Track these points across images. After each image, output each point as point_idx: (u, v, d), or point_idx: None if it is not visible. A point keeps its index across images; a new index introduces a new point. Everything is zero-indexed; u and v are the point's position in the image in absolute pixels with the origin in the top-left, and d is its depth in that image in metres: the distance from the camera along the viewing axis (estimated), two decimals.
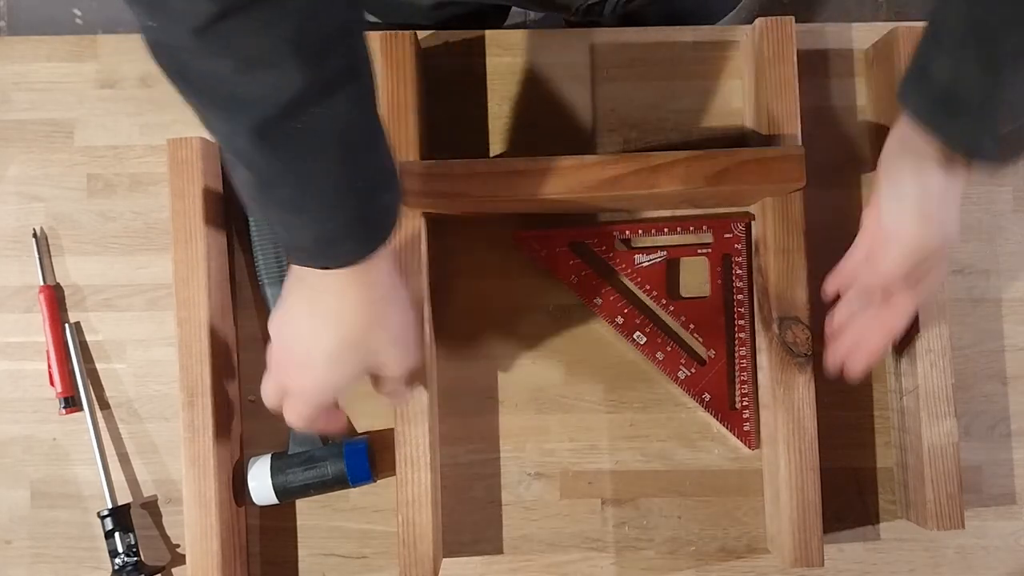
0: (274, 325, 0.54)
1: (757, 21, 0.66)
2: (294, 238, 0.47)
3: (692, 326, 0.69)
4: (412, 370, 0.56)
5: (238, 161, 0.44)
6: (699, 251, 0.70)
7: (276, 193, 0.45)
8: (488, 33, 0.72)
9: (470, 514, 0.70)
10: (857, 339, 0.62)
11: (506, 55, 0.71)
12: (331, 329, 0.51)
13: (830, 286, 0.62)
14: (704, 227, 0.70)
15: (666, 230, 0.70)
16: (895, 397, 0.69)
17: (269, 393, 0.55)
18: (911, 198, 0.56)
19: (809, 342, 0.64)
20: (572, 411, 0.70)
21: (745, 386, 0.69)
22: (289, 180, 0.44)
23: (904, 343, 0.66)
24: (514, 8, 0.81)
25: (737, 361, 0.69)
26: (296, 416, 0.54)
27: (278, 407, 0.55)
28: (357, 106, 0.44)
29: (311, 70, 0.40)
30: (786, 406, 0.64)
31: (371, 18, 0.82)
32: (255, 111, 0.41)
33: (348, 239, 0.47)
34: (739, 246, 0.69)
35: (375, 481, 0.69)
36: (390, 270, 0.52)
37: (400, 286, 0.54)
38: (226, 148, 0.45)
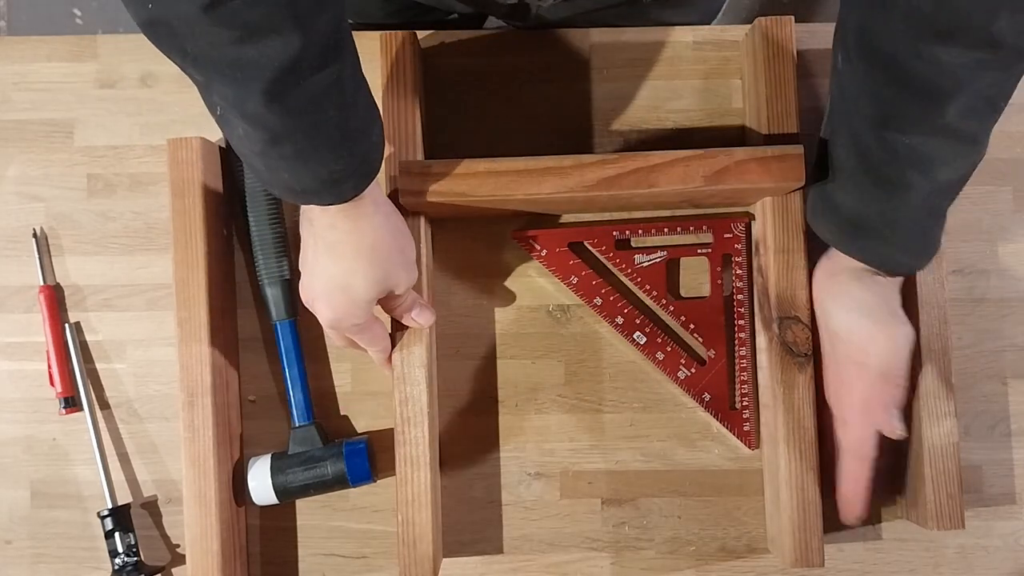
0: (301, 268, 0.59)
1: (757, 21, 0.66)
2: (301, 183, 0.51)
3: (692, 326, 0.69)
4: (413, 287, 0.61)
5: (246, 123, 0.48)
6: (699, 251, 0.70)
7: (285, 147, 0.49)
8: (488, 33, 0.72)
9: (470, 514, 0.70)
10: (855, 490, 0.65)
11: (506, 55, 0.71)
12: (346, 258, 0.56)
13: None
14: (704, 227, 0.70)
15: (666, 230, 0.70)
16: None
17: (332, 337, 0.62)
18: (865, 304, 0.62)
19: (809, 342, 0.64)
20: (572, 411, 0.70)
21: (745, 386, 0.69)
22: (298, 135, 0.48)
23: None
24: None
25: (737, 361, 0.69)
26: (343, 342, 0.61)
27: (345, 344, 0.62)
28: (347, 57, 0.49)
29: (307, 31, 0.44)
30: (786, 406, 0.64)
31: None
32: (264, 75, 0.44)
33: (351, 177, 0.52)
34: (739, 246, 0.69)
35: (375, 481, 0.69)
36: (383, 197, 0.58)
37: (393, 209, 0.59)
38: (234, 113, 0.48)
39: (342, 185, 0.52)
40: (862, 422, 0.63)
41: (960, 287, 0.71)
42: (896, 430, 0.62)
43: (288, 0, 0.43)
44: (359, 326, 0.59)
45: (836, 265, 0.63)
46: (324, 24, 0.46)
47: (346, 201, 0.53)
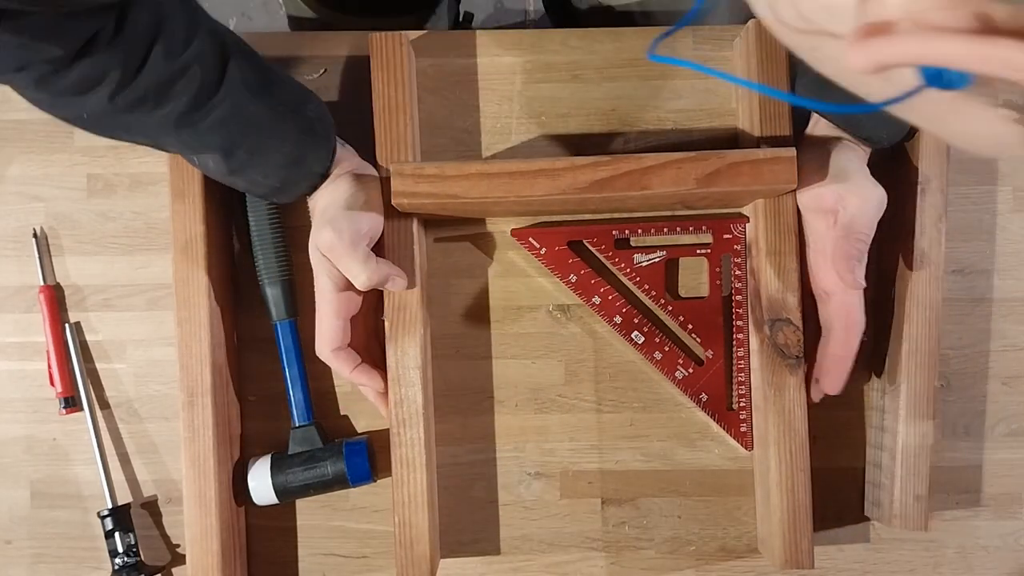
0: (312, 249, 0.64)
1: (750, 23, 0.66)
2: (273, 176, 0.60)
3: (690, 326, 0.69)
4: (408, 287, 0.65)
5: (200, 154, 0.59)
6: (698, 251, 0.70)
7: (239, 155, 0.58)
8: (483, 33, 0.72)
9: (469, 514, 0.70)
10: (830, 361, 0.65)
11: (503, 55, 0.71)
12: (332, 208, 0.62)
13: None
14: (703, 227, 0.69)
15: (665, 230, 0.70)
16: (877, 395, 0.69)
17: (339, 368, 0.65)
18: (849, 170, 0.63)
19: (800, 344, 0.64)
20: (572, 411, 0.70)
21: (742, 387, 0.69)
22: (236, 140, 0.57)
23: (893, 343, 0.66)
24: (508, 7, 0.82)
25: (735, 362, 0.69)
26: (365, 279, 0.62)
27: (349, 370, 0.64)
28: (241, 62, 0.56)
29: (195, 70, 0.53)
30: (777, 408, 0.64)
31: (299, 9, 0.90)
32: (182, 116, 0.54)
33: (308, 150, 0.60)
34: (738, 247, 0.69)
35: (375, 481, 0.69)
36: (358, 163, 0.65)
37: (372, 174, 0.65)
38: (185, 151, 0.60)
39: (305, 163, 0.60)
40: (841, 286, 0.63)
41: (960, 287, 0.71)
42: (857, 280, 0.62)
43: (166, 55, 0.52)
44: (360, 366, 0.64)
45: (813, 140, 0.65)
46: (202, 47, 0.53)
47: (323, 179, 0.62)
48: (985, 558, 0.70)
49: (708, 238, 0.70)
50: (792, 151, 0.62)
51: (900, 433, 0.65)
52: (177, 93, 0.53)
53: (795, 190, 0.64)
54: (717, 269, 0.70)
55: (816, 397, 0.66)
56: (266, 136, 0.58)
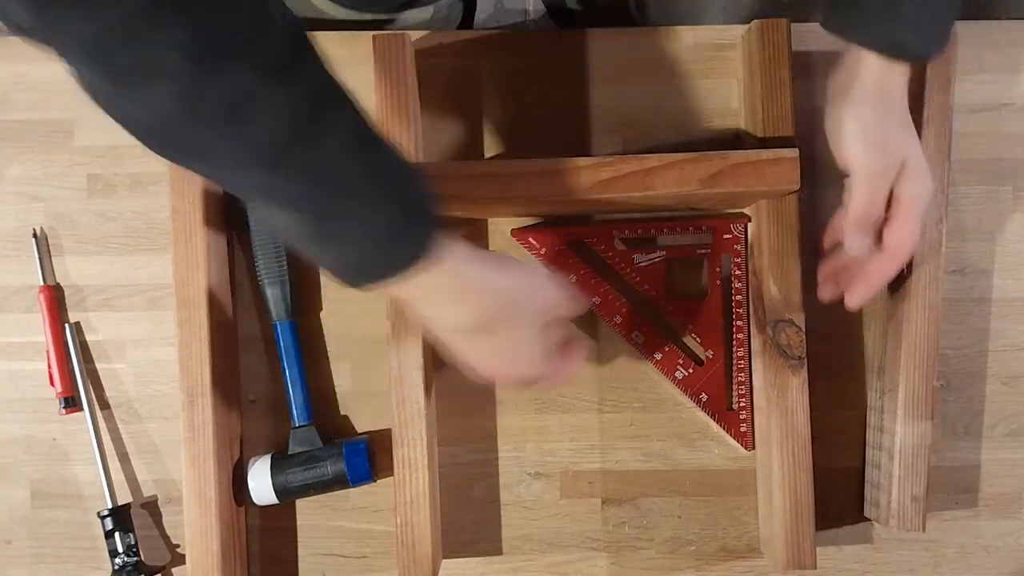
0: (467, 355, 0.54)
1: (752, 23, 0.66)
2: (357, 252, 0.47)
3: (690, 326, 0.69)
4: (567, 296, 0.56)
5: (275, 207, 0.46)
6: (699, 251, 0.70)
7: (328, 221, 0.46)
8: (484, 34, 0.72)
9: (470, 514, 0.70)
10: (858, 272, 0.61)
11: (504, 56, 0.71)
12: (469, 313, 0.51)
13: (828, 239, 0.63)
14: (704, 227, 0.69)
15: (665, 230, 0.70)
16: (875, 395, 0.69)
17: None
18: (871, 112, 0.57)
19: (803, 345, 0.64)
20: (572, 411, 0.70)
21: (743, 387, 0.69)
22: (321, 198, 0.45)
23: (892, 342, 0.66)
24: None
25: (735, 362, 0.69)
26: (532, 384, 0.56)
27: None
28: (343, 106, 0.45)
29: (294, 84, 0.42)
30: (780, 409, 0.64)
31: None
32: (263, 144, 0.42)
33: (403, 228, 0.47)
34: (739, 247, 0.69)
35: (375, 481, 0.69)
36: (465, 250, 0.51)
37: (487, 259, 0.53)
38: (261, 202, 0.46)
39: (398, 242, 0.47)
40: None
41: (960, 287, 0.71)
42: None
43: (263, 65, 0.40)
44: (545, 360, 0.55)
45: (843, 81, 0.58)
46: (309, 76, 0.43)
47: (413, 262, 0.47)
48: (985, 558, 0.70)
49: (708, 238, 0.70)
50: (795, 152, 0.62)
51: (898, 433, 0.65)
52: (262, 117, 0.41)
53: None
54: (717, 269, 0.70)
55: (827, 297, 0.64)
56: (359, 200, 0.46)
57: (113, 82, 0.40)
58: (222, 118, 0.41)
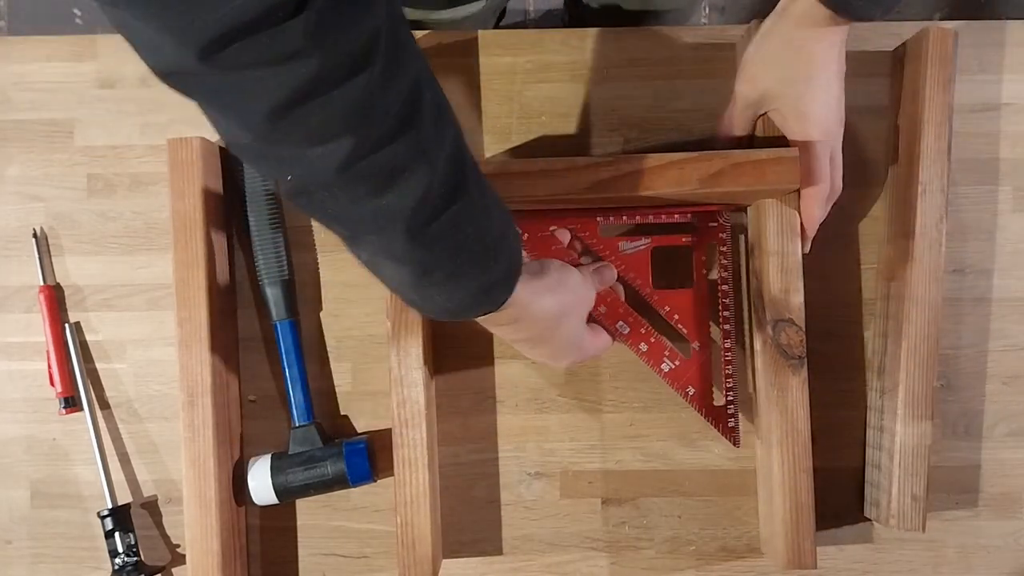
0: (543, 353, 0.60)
1: (752, 23, 0.66)
2: (454, 302, 0.50)
3: (676, 316, 0.68)
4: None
5: (395, 263, 0.47)
6: (683, 240, 0.69)
7: (435, 275, 0.47)
8: (485, 33, 0.72)
9: (470, 514, 0.70)
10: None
11: (504, 55, 0.71)
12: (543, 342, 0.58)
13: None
14: (688, 215, 0.69)
15: (651, 217, 0.68)
16: (875, 395, 0.69)
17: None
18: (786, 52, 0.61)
19: (803, 344, 0.64)
20: (572, 411, 0.70)
21: (730, 380, 0.68)
22: (444, 260, 0.47)
23: (892, 343, 0.66)
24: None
25: (722, 354, 0.69)
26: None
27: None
28: (471, 169, 0.47)
29: (435, 160, 0.43)
30: (780, 408, 0.64)
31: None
32: (405, 215, 0.43)
33: (501, 281, 0.51)
34: (724, 235, 0.69)
35: (375, 481, 0.69)
36: (529, 283, 0.55)
37: (547, 285, 0.57)
38: (381, 257, 0.47)
39: (493, 292, 0.51)
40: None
41: (960, 287, 0.71)
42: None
43: (415, 138, 0.42)
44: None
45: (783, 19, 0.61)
46: (448, 144, 0.44)
47: (500, 306, 0.51)
48: (985, 558, 0.70)
49: (693, 227, 0.69)
50: (794, 152, 0.62)
51: (898, 433, 0.65)
52: (408, 190, 0.42)
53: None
54: (703, 258, 0.69)
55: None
56: (472, 263, 0.48)
57: (286, 139, 0.39)
58: (372, 186, 0.42)
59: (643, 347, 0.68)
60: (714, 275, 0.69)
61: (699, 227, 0.69)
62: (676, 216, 0.69)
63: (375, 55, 0.38)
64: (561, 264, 0.59)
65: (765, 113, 0.65)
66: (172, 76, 0.37)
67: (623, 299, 0.68)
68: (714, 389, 0.69)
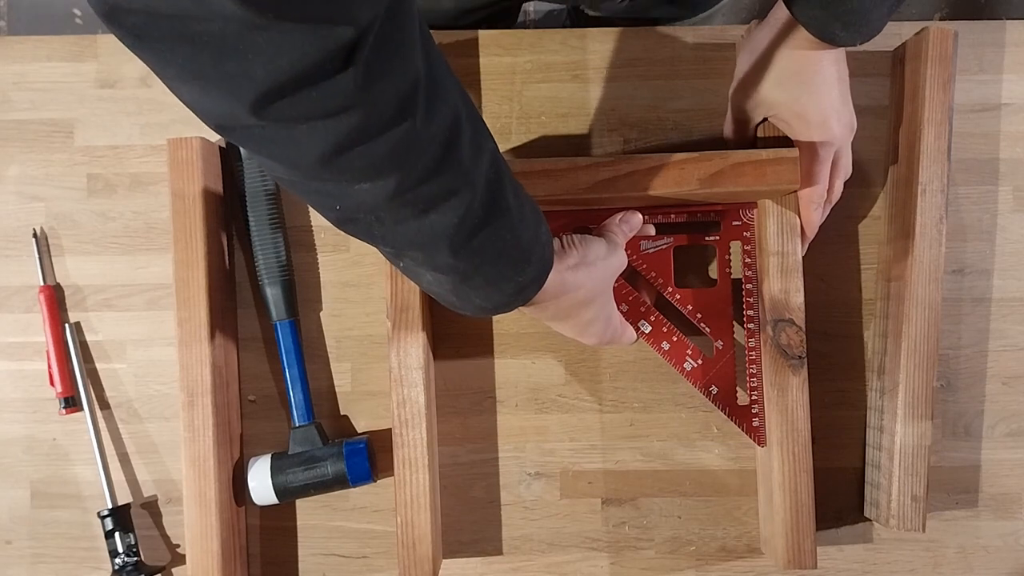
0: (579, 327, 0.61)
1: (752, 23, 0.66)
2: (491, 302, 0.52)
3: (699, 315, 0.68)
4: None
5: (437, 273, 0.49)
6: (707, 238, 0.68)
7: (475, 280, 0.50)
8: (485, 33, 0.72)
9: (470, 514, 0.70)
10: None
11: (504, 55, 0.71)
12: (571, 317, 0.59)
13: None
14: (712, 214, 0.68)
15: (673, 216, 0.68)
16: (875, 395, 0.69)
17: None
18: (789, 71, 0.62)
19: (803, 345, 0.64)
20: (572, 411, 0.70)
21: (754, 380, 0.67)
22: (485, 267, 0.49)
23: (892, 343, 0.66)
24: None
25: (746, 353, 0.67)
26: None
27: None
28: (508, 180, 0.48)
29: (475, 178, 0.45)
30: (780, 408, 0.64)
31: None
32: (448, 232, 0.45)
33: (535, 279, 0.52)
34: (748, 233, 0.68)
35: (375, 481, 0.69)
36: (561, 272, 0.56)
37: (570, 266, 0.57)
38: (423, 268, 0.49)
39: (527, 290, 0.53)
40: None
41: (960, 287, 0.71)
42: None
43: (457, 167, 0.43)
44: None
45: (766, 35, 0.62)
46: (486, 164, 0.46)
47: (535, 297, 0.54)
48: (985, 558, 0.70)
49: (718, 225, 0.68)
50: (795, 151, 0.62)
51: (898, 433, 0.65)
52: (451, 211, 0.44)
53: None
54: (727, 257, 0.68)
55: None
56: (510, 267, 0.50)
57: (323, 181, 0.41)
58: (417, 210, 0.43)
59: (665, 346, 0.68)
60: (737, 274, 0.69)
61: (723, 225, 0.68)
62: (699, 215, 0.68)
63: (417, 98, 0.39)
64: (581, 238, 0.59)
65: (766, 120, 0.65)
66: (225, 129, 0.38)
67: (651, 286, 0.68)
68: (737, 388, 0.68)
